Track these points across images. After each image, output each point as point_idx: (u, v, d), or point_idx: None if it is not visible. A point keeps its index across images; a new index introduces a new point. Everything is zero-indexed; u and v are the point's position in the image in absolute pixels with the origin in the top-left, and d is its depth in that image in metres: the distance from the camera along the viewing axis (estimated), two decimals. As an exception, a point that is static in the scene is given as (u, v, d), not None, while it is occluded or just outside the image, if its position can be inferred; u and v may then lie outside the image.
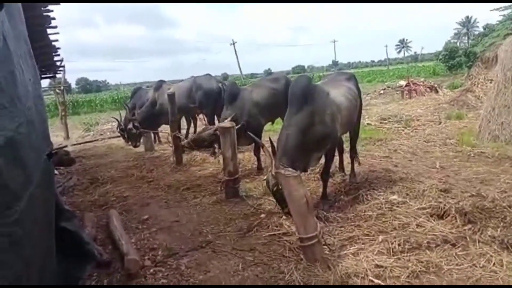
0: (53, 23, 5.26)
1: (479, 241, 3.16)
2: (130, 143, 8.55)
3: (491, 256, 2.94)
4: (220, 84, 7.99)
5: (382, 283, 2.70)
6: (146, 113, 8.13)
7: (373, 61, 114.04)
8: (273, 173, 3.45)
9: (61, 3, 4.71)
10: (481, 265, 2.85)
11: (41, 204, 1.91)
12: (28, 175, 1.72)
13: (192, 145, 5.74)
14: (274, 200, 3.82)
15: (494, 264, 2.85)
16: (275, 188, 3.48)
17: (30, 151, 1.78)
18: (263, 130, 6.20)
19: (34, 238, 1.77)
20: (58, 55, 7.45)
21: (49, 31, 5.63)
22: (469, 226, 3.39)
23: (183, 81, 9.14)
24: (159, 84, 8.87)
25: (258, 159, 6.04)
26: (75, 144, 10.93)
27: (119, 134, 10.84)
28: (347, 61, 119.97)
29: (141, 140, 8.50)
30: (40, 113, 2.09)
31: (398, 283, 2.71)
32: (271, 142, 3.63)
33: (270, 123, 6.65)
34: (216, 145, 5.89)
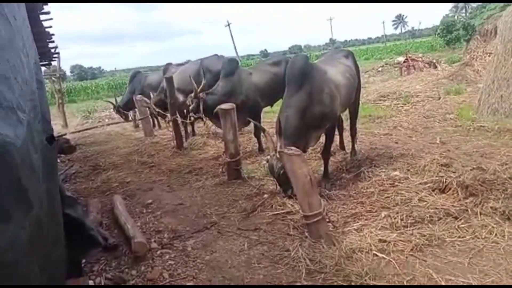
0: (46, 8, 5.16)
1: (480, 213, 3.21)
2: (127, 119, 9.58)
3: (493, 227, 2.99)
4: None
5: (386, 257, 2.75)
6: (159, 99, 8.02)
7: (370, 38, 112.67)
8: (278, 156, 3.45)
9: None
10: (483, 237, 2.90)
11: (49, 190, 1.92)
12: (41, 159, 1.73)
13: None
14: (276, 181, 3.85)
15: (495, 235, 2.90)
16: (281, 171, 3.49)
17: (38, 135, 1.78)
18: (261, 111, 6.19)
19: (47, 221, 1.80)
20: (53, 41, 7.34)
21: (42, 17, 5.53)
22: (471, 199, 3.42)
23: (189, 63, 8.96)
24: (166, 68, 8.82)
25: (259, 141, 6.05)
26: (74, 132, 10.91)
27: (118, 121, 10.97)
28: (344, 39, 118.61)
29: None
30: (42, 97, 2.08)
31: (401, 257, 2.75)
32: (279, 122, 3.60)
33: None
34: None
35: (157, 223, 3.81)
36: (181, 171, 5.47)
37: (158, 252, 3.18)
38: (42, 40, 6.81)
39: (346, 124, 5.47)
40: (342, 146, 5.52)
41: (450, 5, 68.72)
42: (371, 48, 48.57)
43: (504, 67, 6.84)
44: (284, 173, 3.44)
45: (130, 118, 10.07)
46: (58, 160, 6.81)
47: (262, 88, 5.91)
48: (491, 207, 3.25)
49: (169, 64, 9.26)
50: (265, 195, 4.10)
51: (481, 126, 6.24)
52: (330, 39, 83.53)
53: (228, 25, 53.59)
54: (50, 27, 6.24)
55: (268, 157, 3.77)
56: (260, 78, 5.97)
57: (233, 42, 52.57)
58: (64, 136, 8.65)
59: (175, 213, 4.02)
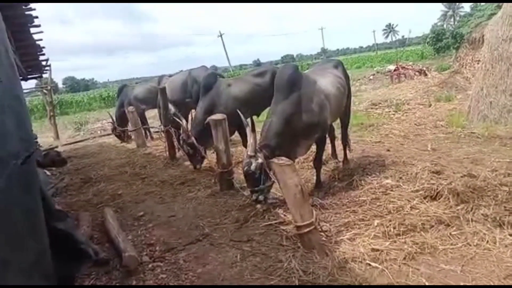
0: (36, 21, 5.16)
1: (472, 220, 3.21)
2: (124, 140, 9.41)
3: (485, 234, 3.00)
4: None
5: (379, 266, 2.74)
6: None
7: (361, 47, 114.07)
8: (249, 154, 3.53)
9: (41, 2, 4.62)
10: (475, 244, 2.91)
11: (17, 208, 1.85)
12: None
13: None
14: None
15: (487, 241, 2.91)
16: (245, 168, 3.55)
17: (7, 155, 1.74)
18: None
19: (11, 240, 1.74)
20: (43, 54, 7.34)
21: (32, 30, 5.53)
22: (462, 205, 3.43)
23: (178, 74, 9.02)
24: (160, 79, 8.91)
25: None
26: (65, 144, 10.83)
27: (110, 132, 10.86)
28: (336, 48, 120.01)
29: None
30: (16, 114, 2.01)
31: (395, 266, 2.74)
32: (252, 121, 3.64)
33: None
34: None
35: (149, 235, 3.76)
36: (174, 183, 5.43)
37: (150, 266, 3.13)
38: (32, 53, 6.80)
39: (338, 133, 5.49)
40: (334, 154, 5.53)
41: (439, 13, 69.79)
42: (362, 56, 49.10)
43: (492, 74, 6.95)
44: (251, 173, 3.54)
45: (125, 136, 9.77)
46: (49, 173, 6.74)
47: (242, 99, 5.92)
48: (482, 214, 3.26)
49: (163, 76, 9.31)
50: (258, 205, 4.08)
51: (471, 132, 6.30)
52: (322, 48, 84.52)
53: (221, 35, 53.88)
54: (41, 40, 6.24)
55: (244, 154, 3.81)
56: (240, 89, 6.01)
57: (226, 53, 52.76)
58: (55, 149, 8.58)
59: (167, 225, 3.97)
